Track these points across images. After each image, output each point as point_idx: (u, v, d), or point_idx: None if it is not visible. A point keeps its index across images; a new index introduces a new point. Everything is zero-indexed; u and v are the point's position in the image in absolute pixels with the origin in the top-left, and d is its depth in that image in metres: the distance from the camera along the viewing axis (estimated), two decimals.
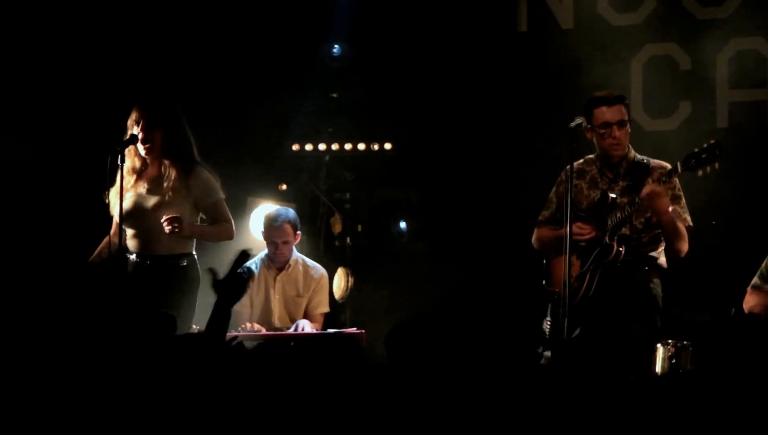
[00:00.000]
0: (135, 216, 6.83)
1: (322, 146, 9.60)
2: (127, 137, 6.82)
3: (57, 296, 6.88)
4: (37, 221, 8.66)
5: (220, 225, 7.01)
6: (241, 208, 9.15)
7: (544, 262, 6.95)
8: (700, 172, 6.47)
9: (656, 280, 6.73)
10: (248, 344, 5.50)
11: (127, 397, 3.56)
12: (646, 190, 6.44)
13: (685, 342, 7.27)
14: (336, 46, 9.43)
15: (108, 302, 6.56)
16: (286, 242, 7.98)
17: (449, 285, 8.74)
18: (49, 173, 8.76)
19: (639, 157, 6.78)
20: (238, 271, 4.22)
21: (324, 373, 3.79)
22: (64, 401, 3.59)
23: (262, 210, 8.98)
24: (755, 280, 7.20)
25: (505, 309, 8.46)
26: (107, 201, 6.93)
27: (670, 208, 6.52)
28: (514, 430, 3.33)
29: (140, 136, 6.80)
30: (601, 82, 8.14)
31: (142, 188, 6.90)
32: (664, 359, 7.30)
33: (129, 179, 6.86)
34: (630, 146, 6.79)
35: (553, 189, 6.95)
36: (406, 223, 9.56)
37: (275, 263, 8.06)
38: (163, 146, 6.88)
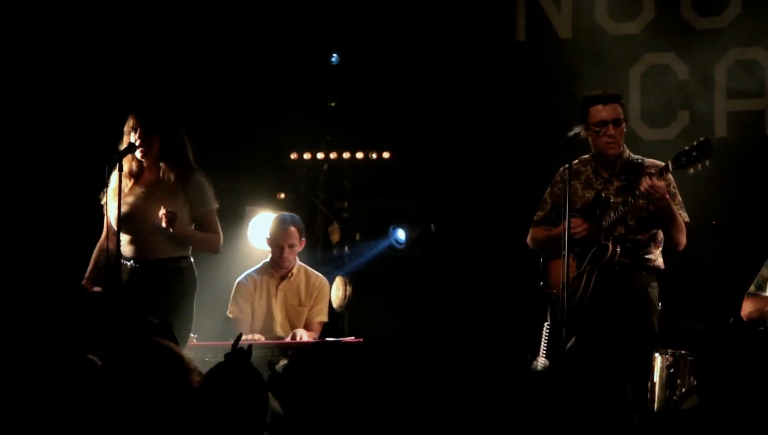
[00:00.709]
0: (132, 221, 6.81)
1: (320, 155, 9.60)
2: (125, 145, 6.80)
3: (57, 305, 6.88)
4: (35, 228, 8.66)
5: (209, 235, 6.97)
6: (239, 217, 9.15)
7: (541, 262, 6.96)
8: (692, 170, 6.46)
9: (654, 284, 6.72)
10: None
11: (122, 406, 3.56)
12: (646, 182, 6.43)
13: (683, 351, 7.28)
14: (334, 54, 9.44)
15: (105, 313, 6.55)
16: (292, 246, 7.97)
17: (447, 293, 8.73)
18: (48, 179, 8.75)
19: (634, 156, 6.79)
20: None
21: (323, 381, 3.79)
22: (59, 408, 3.59)
23: (261, 219, 8.98)
24: (751, 288, 7.21)
25: (504, 316, 8.47)
26: (102, 202, 6.92)
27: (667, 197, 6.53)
28: None
29: (138, 142, 6.80)
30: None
31: (140, 193, 6.89)
32: (662, 369, 7.31)
33: (126, 183, 6.85)
34: (625, 145, 6.79)
35: (548, 189, 6.95)
36: (405, 232, 9.55)
37: (278, 270, 8.04)
38: (161, 152, 6.87)
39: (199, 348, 7.15)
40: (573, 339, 6.54)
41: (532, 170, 8.70)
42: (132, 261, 6.86)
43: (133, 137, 6.81)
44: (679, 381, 7.37)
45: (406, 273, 9.33)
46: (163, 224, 6.68)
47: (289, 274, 8.06)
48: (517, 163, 9.07)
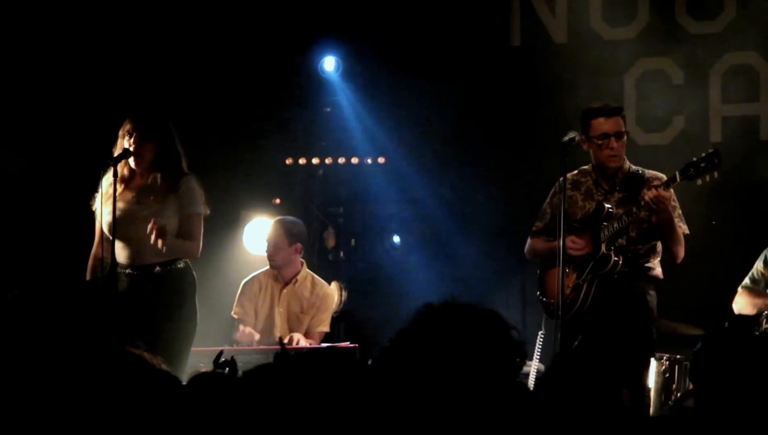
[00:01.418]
0: (124, 227, 6.80)
1: (315, 160, 9.60)
2: (119, 149, 6.79)
3: (52, 310, 6.85)
4: (29, 233, 8.65)
5: (187, 243, 6.89)
6: (234, 223, 9.15)
7: (539, 272, 6.94)
8: (699, 181, 6.47)
9: (652, 293, 6.72)
10: (242, 358, 5.48)
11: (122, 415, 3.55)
12: (651, 193, 6.42)
13: (678, 356, 7.28)
14: (330, 60, 9.44)
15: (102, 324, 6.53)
16: (275, 247, 7.93)
17: (442, 298, 8.72)
18: (42, 185, 8.75)
19: (634, 168, 6.77)
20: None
21: (317, 387, 3.78)
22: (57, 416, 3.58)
23: (256, 224, 8.98)
24: (746, 281, 7.20)
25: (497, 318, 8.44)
26: (93, 208, 6.91)
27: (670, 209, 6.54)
28: None
29: (132, 147, 6.78)
30: (594, 96, 8.14)
31: (131, 198, 6.87)
32: (657, 374, 7.32)
33: (117, 188, 6.84)
34: (625, 157, 6.79)
35: (547, 199, 6.94)
36: (400, 237, 9.56)
37: (282, 275, 8.00)
38: (154, 159, 6.85)
39: (194, 354, 7.13)
40: (573, 345, 6.53)
41: (527, 175, 8.71)
42: (129, 268, 6.85)
43: (127, 142, 6.80)
44: (674, 386, 7.38)
45: (403, 278, 9.33)
46: (152, 239, 6.62)
47: (294, 280, 8.00)
48: (512, 168, 9.07)
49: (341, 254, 9.62)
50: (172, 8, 9.17)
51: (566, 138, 6.48)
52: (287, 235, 7.91)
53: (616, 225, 6.61)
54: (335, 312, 8.96)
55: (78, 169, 7.65)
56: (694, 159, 6.46)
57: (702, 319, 7.57)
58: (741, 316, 7.03)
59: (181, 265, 6.88)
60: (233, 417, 3.55)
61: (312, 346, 7.75)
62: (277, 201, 9.63)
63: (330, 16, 9.33)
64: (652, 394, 7.29)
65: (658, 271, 6.75)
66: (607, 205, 6.66)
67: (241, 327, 7.79)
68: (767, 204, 8.38)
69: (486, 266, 8.89)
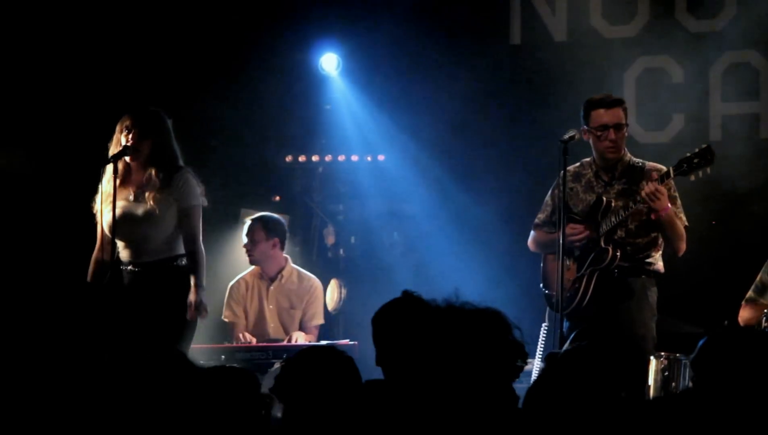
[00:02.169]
0: (123, 227, 6.81)
1: (315, 157, 9.60)
2: (118, 148, 6.80)
3: (53, 308, 6.87)
4: (29, 231, 8.65)
5: (193, 261, 6.89)
6: (233, 220, 9.14)
7: (542, 265, 6.97)
8: (693, 177, 6.49)
9: (653, 289, 6.74)
10: (241, 357, 5.52)
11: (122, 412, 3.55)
12: (649, 187, 6.45)
13: (677, 354, 7.27)
14: (329, 56, 9.44)
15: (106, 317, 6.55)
16: (252, 241, 7.94)
17: (442, 296, 8.71)
18: (40, 182, 8.75)
19: (634, 160, 6.80)
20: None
21: (317, 384, 3.79)
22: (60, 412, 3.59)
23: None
24: (750, 293, 7.20)
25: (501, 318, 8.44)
26: (95, 211, 6.91)
27: (669, 206, 6.55)
28: None
29: (130, 144, 6.79)
30: (595, 94, 8.14)
31: (129, 196, 6.87)
32: (656, 372, 7.31)
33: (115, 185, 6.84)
34: (626, 149, 6.81)
35: (549, 192, 6.97)
36: (399, 234, 9.56)
37: (266, 272, 8.04)
38: (151, 155, 6.86)
39: (192, 351, 7.14)
40: (568, 342, 6.54)
41: (527, 172, 8.71)
42: (130, 265, 6.86)
43: (124, 138, 6.81)
44: (673, 384, 7.36)
45: (403, 275, 9.33)
46: (201, 317, 6.74)
47: (279, 276, 8.03)
48: (512, 165, 9.07)
49: (341, 251, 9.62)
50: (171, 5, 9.17)
51: (566, 136, 6.51)
52: (264, 229, 7.95)
53: (614, 218, 6.64)
54: (335, 309, 8.97)
55: (76, 168, 7.65)
56: (688, 154, 6.49)
57: (701, 317, 7.57)
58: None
59: (181, 263, 6.89)
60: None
61: (312, 343, 7.77)
62: (277, 198, 9.63)
63: (330, 14, 9.33)
64: (651, 392, 7.29)
65: (659, 265, 6.76)
66: (606, 199, 6.69)
67: (240, 336, 7.79)
68: (767, 202, 8.38)
69: (487, 262, 8.88)
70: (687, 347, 7.29)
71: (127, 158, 6.83)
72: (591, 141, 6.77)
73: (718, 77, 8.71)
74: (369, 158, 9.53)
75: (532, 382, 3.78)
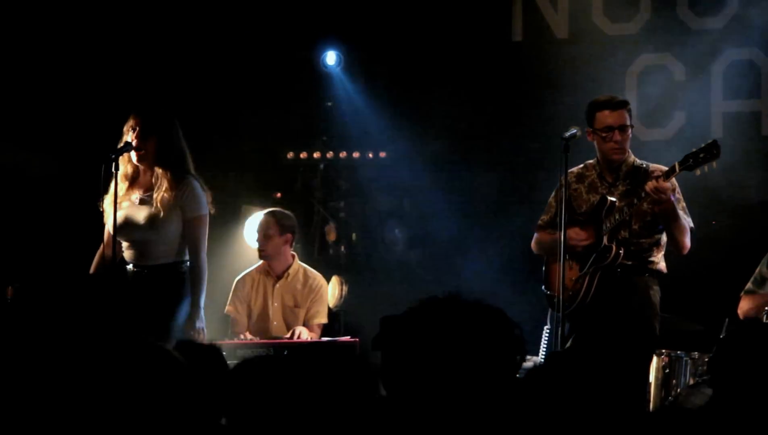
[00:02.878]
0: (128, 228, 6.82)
1: (316, 154, 9.60)
2: (122, 144, 6.80)
3: (57, 305, 6.88)
4: (34, 229, 8.66)
5: (193, 280, 6.91)
6: (235, 216, 9.15)
7: (543, 266, 6.96)
8: (699, 172, 6.49)
9: (656, 287, 6.74)
10: (242, 353, 5.52)
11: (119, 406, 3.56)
12: (651, 184, 6.44)
13: (678, 352, 7.29)
14: (332, 54, 9.44)
15: (107, 312, 6.56)
16: (266, 236, 7.93)
17: (444, 293, 8.72)
18: (47, 181, 8.76)
19: (638, 161, 6.80)
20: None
21: (318, 381, 3.79)
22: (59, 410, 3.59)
23: (256, 218, 8.98)
24: (749, 285, 7.22)
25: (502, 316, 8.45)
26: (102, 209, 6.92)
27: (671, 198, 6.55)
28: None
29: (134, 143, 6.79)
30: (596, 91, 8.11)
31: (135, 197, 6.88)
32: (657, 369, 7.32)
33: (122, 186, 6.85)
34: (630, 150, 6.81)
35: (553, 193, 6.96)
36: (401, 231, 9.56)
37: (273, 269, 8.02)
38: (156, 155, 6.85)
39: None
40: (571, 340, 6.55)
41: (529, 171, 8.72)
42: (132, 266, 6.88)
43: (130, 137, 6.81)
44: (674, 381, 7.38)
45: (404, 273, 9.34)
46: (200, 339, 6.75)
47: (286, 274, 8.02)
48: (514, 163, 9.08)
49: (342, 248, 9.62)
50: (175, 5, 9.17)
51: (567, 133, 6.50)
52: (278, 224, 7.92)
53: (617, 217, 6.63)
54: (336, 306, 8.97)
55: (84, 167, 7.65)
56: (693, 150, 6.48)
57: (702, 314, 7.58)
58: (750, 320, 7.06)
59: (183, 268, 6.90)
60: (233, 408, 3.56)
61: (314, 340, 7.76)
62: (278, 195, 9.63)
63: (331, 10, 9.33)
64: (652, 389, 7.30)
65: (661, 265, 6.76)
66: (610, 198, 6.69)
67: (242, 336, 7.79)
68: None
69: (487, 261, 8.89)
70: (687, 345, 7.33)
71: (135, 159, 6.83)
72: (595, 142, 6.76)
73: (719, 75, 8.71)
74: (370, 155, 9.53)
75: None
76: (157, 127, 6.85)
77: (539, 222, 7.00)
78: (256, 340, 7.68)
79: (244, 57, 9.30)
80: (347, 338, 7.69)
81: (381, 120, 9.38)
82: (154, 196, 6.82)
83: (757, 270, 7.25)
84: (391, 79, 9.34)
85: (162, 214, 6.78)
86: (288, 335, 7.76)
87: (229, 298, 8.04)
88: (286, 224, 7.96)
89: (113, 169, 6.69)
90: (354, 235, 9.70)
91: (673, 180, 6.56)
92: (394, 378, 3.60)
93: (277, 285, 7.99)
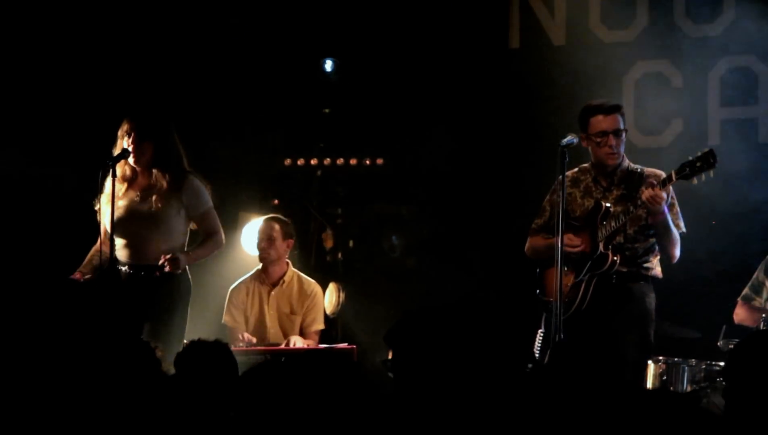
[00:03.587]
0: (125, 226, 6.84)
1: (313, 161, 9.60)
2: (119, 151, 6.83)
3: (49, 306, 6.87)
4: (29, 232, 8.65)
5: (207, 242, 7.04)
6: (232, 223, 9.14)
7: (538, 271, 6.95)
8: (695, 181, 6.49)
9: (651, 295, 6.74)
10: (239, 360, 5.49)
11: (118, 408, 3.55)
12: (648, 192, 6.44)
13: (675, 359, 7.28)
14: (328, 61, 9.44)
15: (100, 313, 6.56)
16: (270, 239, 7.95)
17: (441, 300, 8.73)
18: (42, 184, 8.75)
19: (633, 165, 6.80)
20: None
21: (315, 388, 3.78)
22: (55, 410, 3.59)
23: (254, 225, 8.97)
24: (746, 291, 7.22)
25: (499, 322, 8.44)
26: (96, 208, 6.94)
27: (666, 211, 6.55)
28: None
29: (131, 147, 6.82)
30: (593, 98, 8.14)
31: (134, 198, 6.91)
32: (654, 376, 7.32)
33: (120, 187, 6.88)
34: (624, 155, 6.80)
35: (547, 197, 6.96)
36: (398, 238, 9.56)
37: (269, 277, 8.03)
38: (154, 158, 6.90)
39: None
40: (565, 346, 6.54)
41: (526, 177, 8.71)
42: (126, 266, 6.89)
43: (126, 142, 6.84)
44: (671, 388, 7.37)
45: (401, 279, 9.33)
46: (166, 270, 6.74)
47: (281, 281, 8.03)
48: (511, 170, 9.08)
49: (339, 255, 9.62)
50: (172, 10, 9.17)
51: (564, 140, 6.49)
52: (282, 229, 7.97)
53: (613, 223, 6.63)
54: (333, 313, 8.97)
55: (79, 169, 7.66)
56: (690, 158, 6.49)
57: (699, 321, 7.57)
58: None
59: (179, 271, 6.92)
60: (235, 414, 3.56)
61: (311, 347, 7.76)
62: (276, 202, 9.62)
63: (329, 18, 9.33)
64: None
65: (657, 270, 6.77)
66: (605, 204, 6.68)
67: (240, 336, 7.79)
68: (766, 207, 8.37)
69: (485, 267, 8.88)
70: (685, 352, 7.33)
71: (132, 161, 6.87)
72: (590, 148, 6.76)
73: (716, 82, 8.71)
74: (367, 162, 9.53)
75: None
76: (152, 131, 6.88)
77: (533, 225, 7.00)
78: (254, 347, 7.68)
79: (241, 64, 9.30)
80: (344, 345, 7.70)
81: (378, 126, 9.38)
82: (153, 195, 6.86)
83: (754, 276, 7.26)
84: (388, 86, 9.34)
85: (161, 212, 6.81)
86: (283, 344, 7.77)
87: (225, 307, 8.04)
88: (288, 230, 8.03)
89: (112, 176, 6.71)
90: (351, 242, 9.70)
91: (669, 185, 6.57)
92: (408, 372, 3.60)
93: (273, 292, 8.00)
